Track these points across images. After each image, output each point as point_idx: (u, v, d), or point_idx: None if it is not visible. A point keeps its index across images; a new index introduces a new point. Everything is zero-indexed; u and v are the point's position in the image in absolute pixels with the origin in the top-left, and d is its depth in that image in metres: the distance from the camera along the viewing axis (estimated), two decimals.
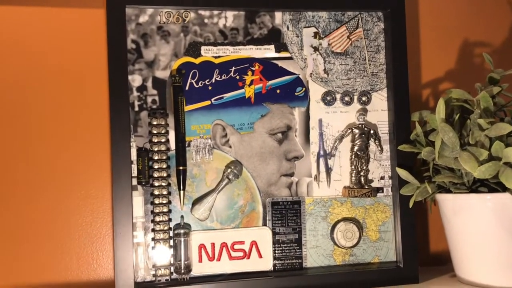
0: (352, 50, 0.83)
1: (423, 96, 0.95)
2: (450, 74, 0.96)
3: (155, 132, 0.76)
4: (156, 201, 0.75)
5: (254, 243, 0.79)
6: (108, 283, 0.82)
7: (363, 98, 0.84)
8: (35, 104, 0.83)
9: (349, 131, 0.82)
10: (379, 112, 0.84)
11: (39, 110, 0.83)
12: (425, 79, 0.95)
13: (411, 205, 0.78)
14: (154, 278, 0.75)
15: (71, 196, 0.83)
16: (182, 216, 0.77)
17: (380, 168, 0.83)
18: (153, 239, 0.75)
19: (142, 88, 0.77)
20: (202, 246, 0.77)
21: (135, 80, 0.77)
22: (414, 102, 0.90)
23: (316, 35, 0.83)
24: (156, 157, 0.76)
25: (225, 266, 0.77)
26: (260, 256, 0.79)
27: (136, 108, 0.77)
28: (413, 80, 0.93)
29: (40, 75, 0.83)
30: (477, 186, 0.76)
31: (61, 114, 0.83)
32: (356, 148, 0.82)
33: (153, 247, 0.75)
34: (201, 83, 0.79)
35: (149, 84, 0.78)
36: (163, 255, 0.75)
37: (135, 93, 0.77)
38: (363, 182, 0.82)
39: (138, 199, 0.76)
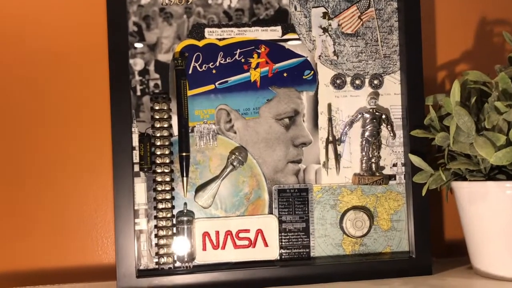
0: (363, 31, 0.80)
1: (438, 79, 0.90)
2: (467, 55, 0.91)
3: (157, 117, 0.74)
4: (159, 188, 0.74)
5: (259, 232, 0.76)
6: (113, 270, 0.81)
7: (375, 82, 0.80)
8: (34, 92, 0.82)
9: (359, 116, 0.79)
10: (392, 96, 0.80)
11: (38, 97, 0.82)
12: (440, 61, 0.90)
13: (424, 193, 0.74)
14: (157, 266, 0.74)
15: (75, 183, 0.82)
16: (185, 203, 0.75)
17: (392, 154, 0.80)
18: (155, 226, 0.74)
19: (144, 72, 0.75)
20: (206, 234, 0.75)
21: (137, 63, 0.75)
22: (429, 85, 0.86)
23: (325, 15, 0.79)
24: (158, 143, 0.74)
25: (230, 254, 0.75)
26: (266, 245, 0.76)
27: (138, 93, 0.75)
28: (428, 62, 0.88)
29: (39, 60, 0.82)
30: (494, 173, 0.72)
31: (62, 101, 0.82)
32: (367, 133, 0.78)
33: (155, 235, 0.74)
34: (205, 67, 0.77)
35: (151, 68, 0.76)
36: (166, 242, 0.73)
37: (137, 77, 0.75)
38: (374, 169, 0.79)
39: (140, 186, 0.74)
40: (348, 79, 0.79)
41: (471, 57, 0.91)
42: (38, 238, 0.81)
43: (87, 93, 0.82)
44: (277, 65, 0.78)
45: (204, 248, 0.75)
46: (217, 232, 0.75)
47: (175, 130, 0.75)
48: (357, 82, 0.80)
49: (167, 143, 0.74)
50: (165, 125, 0.74)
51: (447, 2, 0.91)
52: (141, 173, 0.74)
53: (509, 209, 0.69)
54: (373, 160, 0.79)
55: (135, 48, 0.75)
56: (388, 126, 0.79)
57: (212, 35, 0.77)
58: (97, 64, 0.82)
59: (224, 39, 0.77)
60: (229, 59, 0.77)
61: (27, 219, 0.81)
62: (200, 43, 0.77)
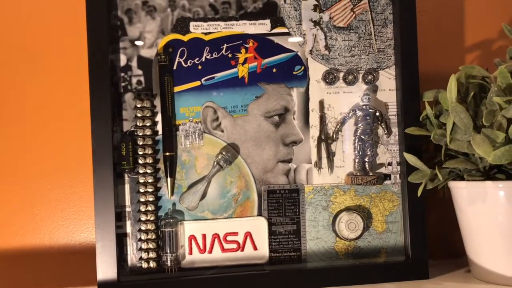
0: (356, 24, 0.76)
1: (435, 75, 0.87)
2: (466, 49, 0.87)
3: (140, 115, 0.71)
4: (142, 189, 0.70)
5: (248, 234, 0.73)
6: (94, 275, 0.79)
7: (369, 77, 0.76)
8: (12, 90, 0.79)
9: (352, 113, 0.75)
10: (387, 92, 0.77)
11: (15, 96, 0.79)
12: (438, 55, 0.87)
13: (419, 193, 0.71)
14: (140, 271, 0.70)
15: (58, 184, 0.79)
16: (174, 204, 0.72)
17: (387, 153, 0.76)
18: (139, 230, 0.71)
19: (126, 68, 0.72)
20: (192, 238, 0.72)
21: (119, 59, 0.72)
22: (426, 81, 0.82)
23: (316, 8, 0.76)
24: (141, 142, 0.71)
25: (217, 258, 0.72)
26: (255, 248, 0.73)
27: (120, 90, 0.72)
28: (424, 56, 0.84)
29: (17, 56, 0.79)
30: (494, 172, 0.68)
31: (42, 99, 0.79)
32: (359, 131, 0.75)
33: (139, 238, 0.71)
34: (190, 62, 0.73)
35: (134, 63, 0.72)
36: (150, 246, 0.70)
37: (119, 74, 0.72)
38: (368, 168, 0.75)
39: (123, 188, 0.71)
40: (341, 75, 0.76)
41: (470, 51, 0.88)
42: (16, 242, 0.78)
43: (70, 91, 0.79)
44: (266, 60, 0.75)
45: (190, 252, 0.72)
46: (204, 236, 0.72)
47: (160, 128, 0.72)
48: (350, 77, 0.76)
49: (150, 143, 0.71)
50: (148, 124, 0.71)
51: None
52: (125, 174, 0.71)
53: (508, 209, 0.65)
54: (366, 159, 0.75)
55: (117, 43, 0.72)
56: (382, 124, 0.76)
57: (197, 29, 0.74)
58: (78, 60, 0.79)
59: (210, 33, 0.74)
60: (215, 54, 0.74)
61: (6, 221, 0.78)
62: (185, 38, 0.73)
